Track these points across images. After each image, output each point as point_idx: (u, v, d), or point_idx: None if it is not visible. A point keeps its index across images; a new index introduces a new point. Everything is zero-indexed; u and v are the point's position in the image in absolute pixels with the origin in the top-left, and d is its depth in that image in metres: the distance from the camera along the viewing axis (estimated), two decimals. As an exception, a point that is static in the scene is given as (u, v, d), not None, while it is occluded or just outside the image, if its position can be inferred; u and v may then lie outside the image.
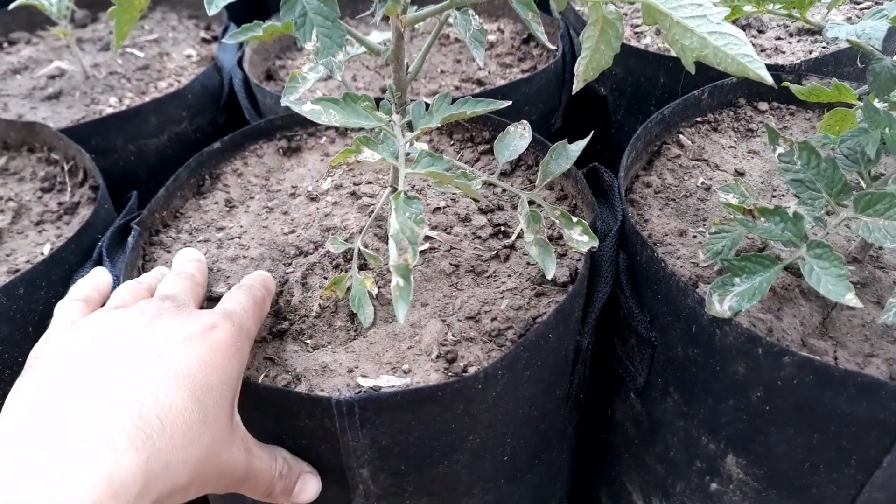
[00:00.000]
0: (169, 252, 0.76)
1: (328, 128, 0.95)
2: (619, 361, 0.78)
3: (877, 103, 0.60)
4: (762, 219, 0.59)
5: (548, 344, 0.63)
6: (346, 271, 0.68)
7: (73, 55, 1.24)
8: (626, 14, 1.22)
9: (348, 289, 0.66)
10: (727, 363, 0.61)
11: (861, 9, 1.14)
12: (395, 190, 0.52)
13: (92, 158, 0.88)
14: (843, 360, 0.59)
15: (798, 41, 1.07)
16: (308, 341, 0.65)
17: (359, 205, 0.79)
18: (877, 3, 1.14)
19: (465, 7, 0.63)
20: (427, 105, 0.60)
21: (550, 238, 0.74)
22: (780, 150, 0.61)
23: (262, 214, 0.81)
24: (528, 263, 0.70)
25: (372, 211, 0.76)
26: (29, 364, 0.52)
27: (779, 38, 1.09)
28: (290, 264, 0.73)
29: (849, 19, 1.11)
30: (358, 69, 1.18)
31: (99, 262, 0.75)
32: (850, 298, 0.53)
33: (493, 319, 0.64)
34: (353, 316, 0.67)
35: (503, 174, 0.84)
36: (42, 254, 0.80)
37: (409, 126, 0.60)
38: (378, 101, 0.58)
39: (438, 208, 0.78)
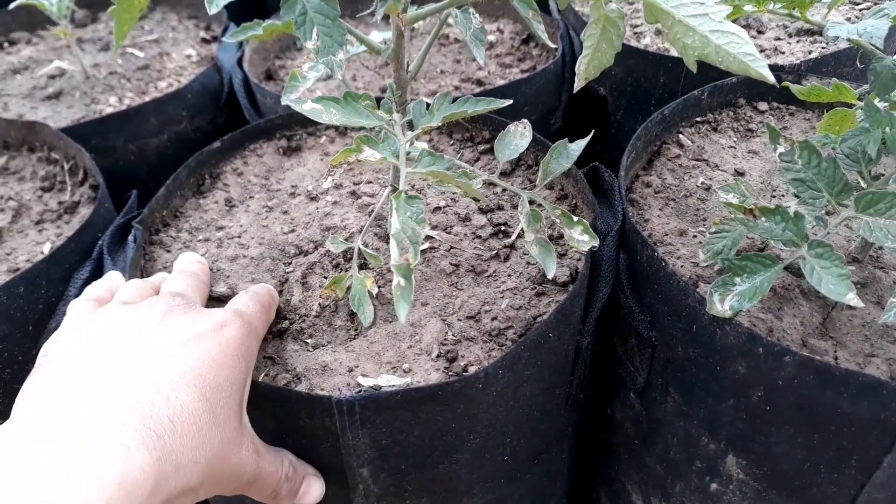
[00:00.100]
0: (169, 252, 0.76)
1: (328, 127, 0.95)
2: (619, 361, 0.78)
3: (877, 102, 0.60)
4: (763, 218, 0.59)
5: (548, 344, 0.63)
6: (346, 271, 0.68)
7: (73, 55, 1.24)
8: (625, 14, 1.22)
9: (348, 288, 0.66)
10: (727, 363, 0.61)
11: (860, 9, 1.14)
12: (395, 189, 0.52)
13: (92, 158, 0.88)
14: (843, 359, 0.59)
15: (797, 41, 1.07)
16: (308, 340, 0.65)
17: (359, 204, 0.79)
18: (875, 4, 1.14)
19: (466, 6, 0.63)
20: (427, 104, 0.60)
21: (550, 238, 0.74)
22: (780, 149, 0.61)
23: (261, 214, 0.81)
24: (529, 263, 0.70)
25: (372, 210, 0.76)
26: (39, 362, 0.51)
27: (778, 39, 1.09)
28: (289, 264, 0.73)
29: (847, 19, 1.11)
30: (357, 69, 1.18)
31: (99, 261, 0.75)
32: (852, 298, 0.53)
33: (494, 319, 0.64)
34: (353, 315, 0.67)
35: (503, 174, 0.84)
36: (42, 253, 0.80)
37: (410, 125, 0.60)
38: (378, 100, 0.58)
39: (438, 208, 0.78)
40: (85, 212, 0.87)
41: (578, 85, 0.50)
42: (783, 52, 1.05)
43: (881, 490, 0.59)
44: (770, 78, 0.41)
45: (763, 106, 0.91)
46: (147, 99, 1.11)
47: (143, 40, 1.32)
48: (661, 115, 0.83)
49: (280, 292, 0.69)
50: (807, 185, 0.59)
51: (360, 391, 0.58)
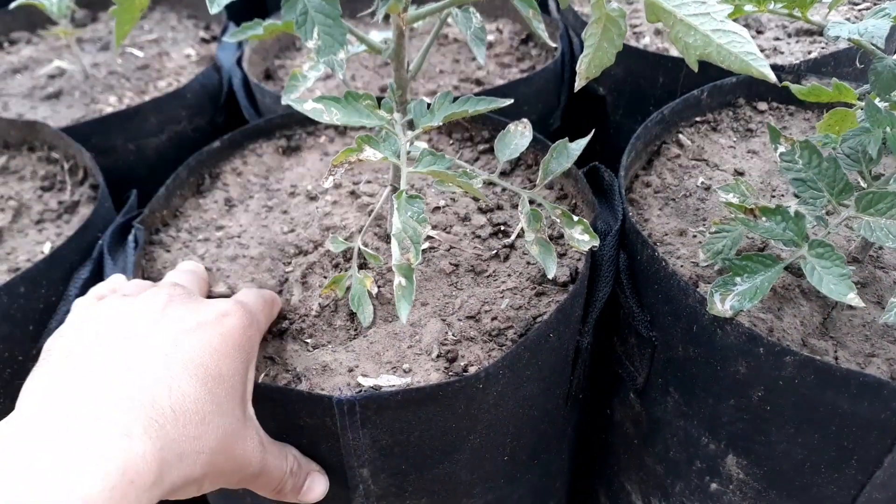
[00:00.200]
0: (168, 251, 0.76)
1: (327, 127, 0.95)
2: (619, 361, 0.78)
3: (878, 102, 0.60)
4: (763, 218, 0.59)
5: (548, 344, 0.63)
6: (346, 270, 0.68)
7: (73, 55, 1.23)
8: (626, 13, 1.22)
9: (348, 288, 0.66)
10: (728, 363, 0.61)
11: (860, 9, 1.14)
12: (395, 189, 0.52)
13: (92, 157, 0.88)
14: (843, 359, 0.59)
15: (797, 41, 1.07)
16: (308, 340, 0.65)
17: (358, 204, 0.79)
18: (875, 4, 1.14)
19: (467, 5, 0.63)
20: (428, 104, 0.60)
21: (550, 237, 0.73)
22: (781, 149, 0.61)
23: (261, 213, 0.81)
24: (528, 263, 0.70)
25: (371, 210, 0.76)
26: (42, 356, 0.51)
27: (777, 39, 1.09)
28: (289, 263, 0.73)
29: (847, 19, 1.11)
30: (356, 68, 1.18)
31: (99, 261, 0.75)
32: (852, 298, 0.53)
33: (494, 319, 0.64)
34: (353, 315, 0.67)
35: (503, 173, 0.84)
36: (42, 252, 0.80)
37: (410, 125, 0.60)
38: (379, 99, 0.58)
39: (438, 207, 0.78)
40: (85, 211, 0.87)
41: (579, 84, 0.50)
42: (782, 52, 1.05)
43: (882, 490, 0.59)
44: (772, 77, 0.41)
45: (763, 106, 0.91)
46: (146, 98, 1.11)
47: (143, 40, 1.32)
48: (661, 114, 0.83)
49: (280, 292, 0.69)
50: (807, 185, 0.59)
51: (361, 391, 0.58)
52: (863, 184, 0.64)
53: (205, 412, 0.48)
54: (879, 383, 0.53)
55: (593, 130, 0.70)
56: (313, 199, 0.83)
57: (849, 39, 0.59)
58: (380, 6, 0.52)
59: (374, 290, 0.68)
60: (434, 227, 0.75)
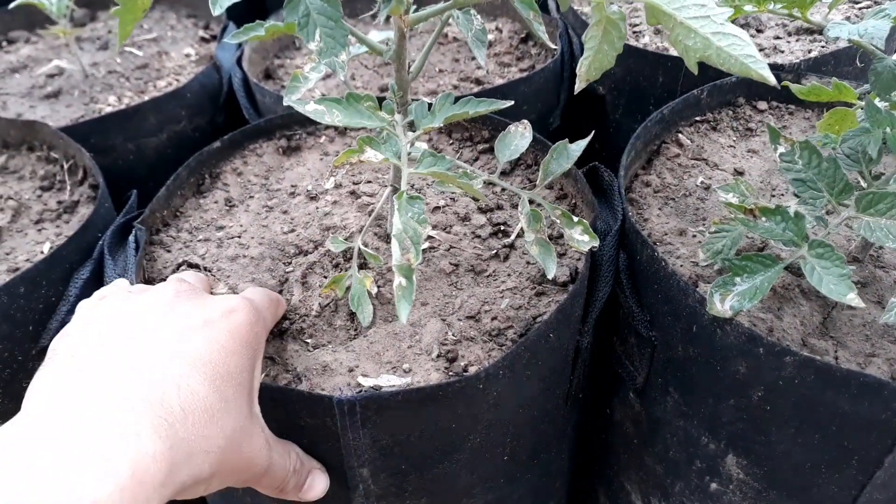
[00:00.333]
0: (169, 252, 0.76)
1: (327, 127, 0.95)
2: (619, 361, 0.78)
3: (878, 102, 0.60)
4: (763, 218, 0.59)
5: (548, 344, 0.63)
6: (346, 270, 0.68)
7: (72, 54, 1.23)
8: (626, 15, 1.22)
9: (348, 288, 0.66)
10: (728, 363, 0.61)
11: (860, 8, 1.14)
12: (396, 189, 0.52)
13: (91, 157, 0.88)
14: (843, 359, 0.59)
15: (797, 41, 1.07)
16: (308, 340, 0.65)
17: (358, 204, 0.79)
18: (876, 3, 1.14)
19: (467, 7, 0.63)
20: (429, 105, 0.60)
21: (550, 237, 0.74)
22: (781, 149, 0.61)
23: (261, 213, 0.81)
24: (528, 263, 0.70)
25: (372, 210, 0.76)
26: (48, 356, 0.51)
27: (777, 38, 1.09)
28: (289, 263, 0.73)
29: (847, 19, 1.11)
30: (356, 68, 1.18)
31: (100, 261, 0.75)
32: (853, 298, 0.53)
33: (494, 319, 0.64)
34: (353, 315, 0.67)
35: (502, 173, 0.84)
36: (42, 252, 0.80)
37: (411, 126, 0.60)
38: (380, 100, 0.58)
39: (438, 207, 0.78)
40: (85, 211, 0.87)
41: (579, 86, 0.50)
42: (782, 51, 1.05)
43: (882, 490, 0.59)
44: (771, 80, 0.41)
45: (762, 105, 0.91)
46: (146, 98, 1.11)
47: (142, 39, 1.32)
48: (661, 114, 0.83)
49: (280, 292, 0.69)
50: (807, 185, 0.59)
51: (361, 391, 0.58)
52: (863, 184, 0.64)
53: (213, 410, 0.47)
54: (880, 383, 0.53)
55: (593, 131, 0.70)
56: (313, 199, 0.83)
57: (849, 40, 0.60)
58: (381, 8, 0.52)
59: (374, 290, 0.68)
60: (434, 227, 0.75)
